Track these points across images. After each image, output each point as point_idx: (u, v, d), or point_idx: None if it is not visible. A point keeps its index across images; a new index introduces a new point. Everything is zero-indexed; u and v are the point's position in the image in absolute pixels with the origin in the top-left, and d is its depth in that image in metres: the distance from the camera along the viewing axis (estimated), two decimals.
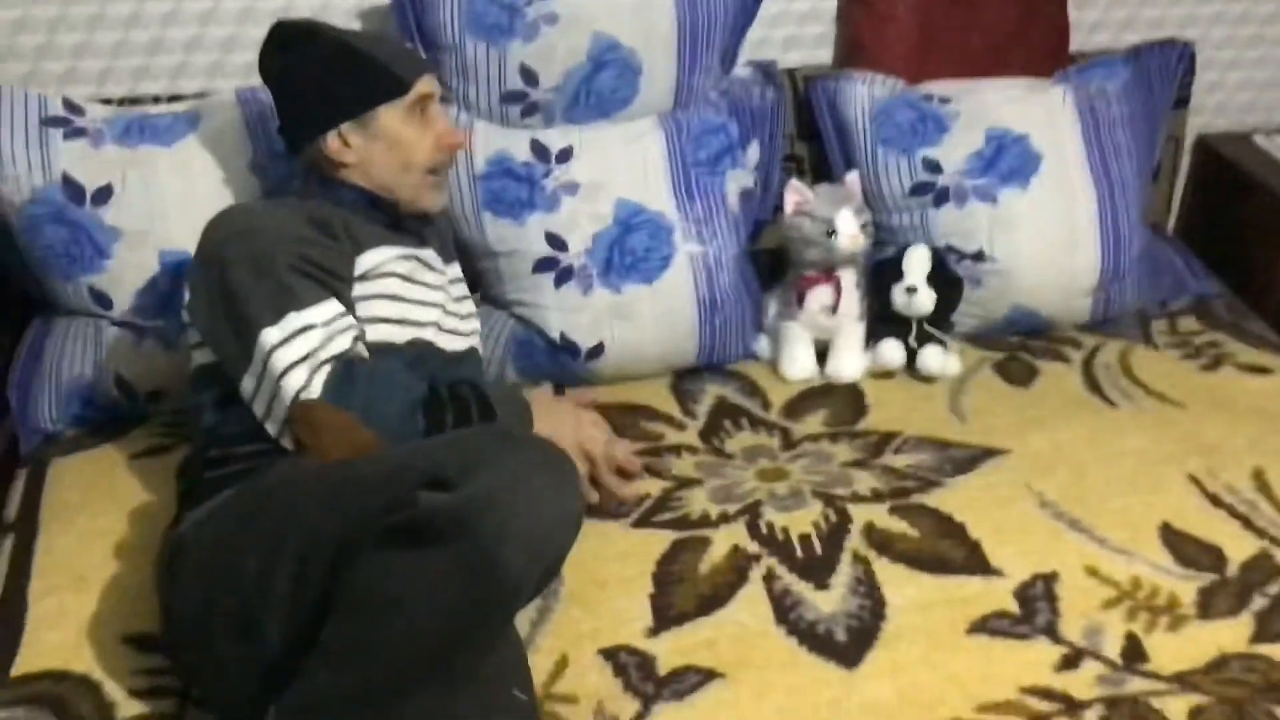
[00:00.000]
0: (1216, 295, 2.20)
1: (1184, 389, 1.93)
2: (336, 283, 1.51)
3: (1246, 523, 1.62)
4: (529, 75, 1.97)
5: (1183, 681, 1.39)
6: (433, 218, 1.72)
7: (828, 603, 1.51)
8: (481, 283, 1.95)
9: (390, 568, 1.17)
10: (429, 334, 1.64)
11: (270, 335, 1.43)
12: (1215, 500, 1.66)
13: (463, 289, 1.78)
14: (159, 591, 1.43)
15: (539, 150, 1.96)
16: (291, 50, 1.63)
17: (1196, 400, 1.90)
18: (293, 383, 1.43)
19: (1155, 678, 1.39)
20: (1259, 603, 1.49)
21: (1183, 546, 1.58)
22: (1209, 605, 1.49)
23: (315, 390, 1.43)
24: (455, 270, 1.79)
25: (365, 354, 1.51)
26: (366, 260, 1.58)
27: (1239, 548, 1.58)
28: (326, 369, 1.44)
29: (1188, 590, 1.51)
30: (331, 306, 1.48)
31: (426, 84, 1.64)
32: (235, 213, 1.57)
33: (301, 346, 1.44)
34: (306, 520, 1.28)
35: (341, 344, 1.47)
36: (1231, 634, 1.45)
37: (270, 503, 1.34)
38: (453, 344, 1.69)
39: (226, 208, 1.59)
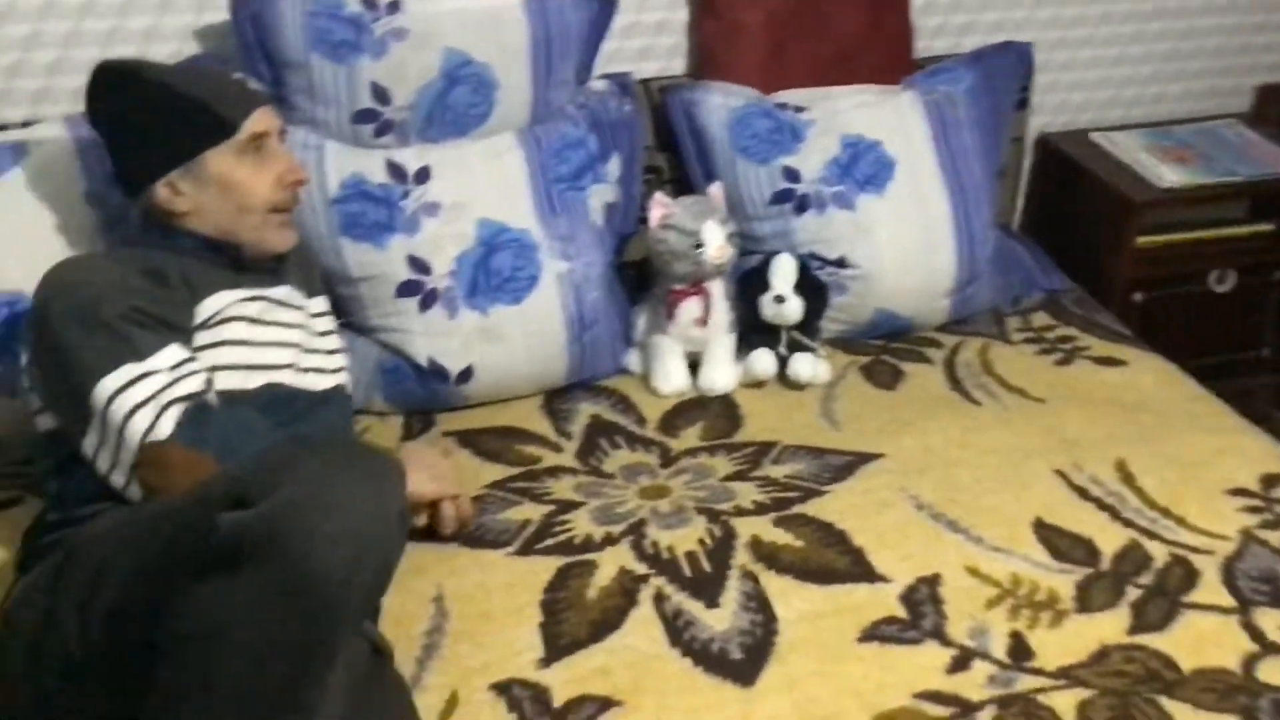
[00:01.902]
0: (1065, 290, 2.28)
1: (1042, 384, 1.99)
2: (174, 333, 1.45)
3: (1114, 514, 1.67)
4: (380, 93, 1.91)
5: (1068, 676, 1.42)
6: (287, 254, 1.65)
7: (720, 620, 1.50)
8: (343, 310, 1.88)
9: (204, 600, 1.11)
10: (285, 376, 1.58)
11: (108, 384, 1.37)
12: (1083, 493, 1.71)
13: (327, 323, 1.71)
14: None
15: (396, 171, 1.91)
16: (112, 95, 1.55)
17: (1055, 394, 1.96)
18: (138, 425, 1.36)
19: (1041, 674, 1.42)
20: (1133, 593, 1.53)
21: (1057, 541, 1.62)
22: (1087, 598, 1.53)
23: (165, 430, 1.37)
24: (319, 304, 1.73)
25: (214, 398, 1.44)
26: (206, 307, 1.52)
27: (1110, 539, 1.63)
28: (175, 410, 1.38)
29: (1065, 584, 1.55)
30: (173, 352, 1.42)
31: (260, 120, 1.56)
32: (61, 269, 1.49)
33: (143, 390, 1.38)
34: (113, 566, 1.23)
35: (189, 386, 1.41)
36: (1111, 626, 1.49)
37: (80, 555, 1.28)
38: (315, 383, 1.63)
39: (54, 265, 1.50)
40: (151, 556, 1.19)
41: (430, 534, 1.61)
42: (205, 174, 1.53)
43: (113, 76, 1.56)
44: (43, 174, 1.76)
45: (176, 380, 1.40)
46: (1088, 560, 1.59)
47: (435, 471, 1.59)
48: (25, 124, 1.90)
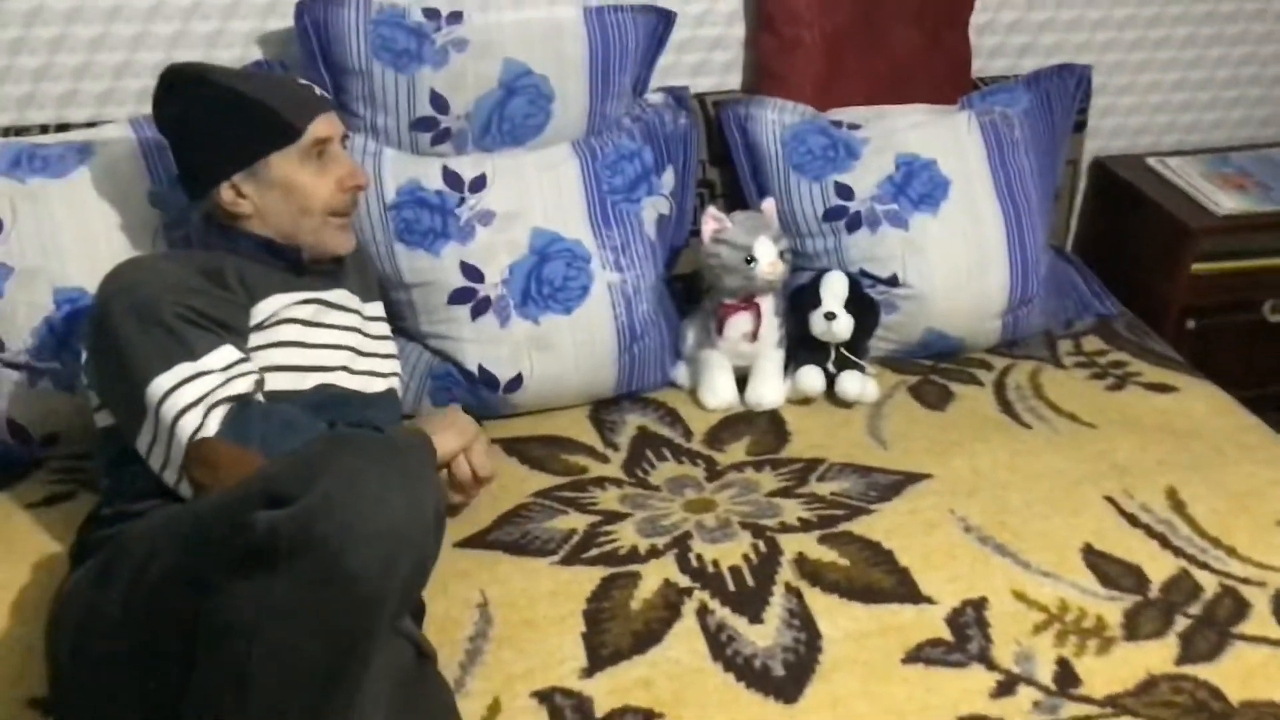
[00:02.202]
0: (1118, 315, 2.26)
1: (1093, 409, 1.97)
2: (229, 334, 1.47)
3: (1164, 542, 1.66)
4: (439, 102, 1.93)
5: (1115, 704, 1.41)
6: (345, 257, 1.67)
7: (763, 636, 1.50)
8: (396, 315, 1.90)
9: (241, 597, 1.12)
10: (337, 377, 1.60)
11: (161, 383, 1.39)
12: (1133, 520, 1.70)
13: (382, 328, 1.73)
14: (46, 653, 1.37)
15: (451, 179, 1.92)
16: (179, 98, 1.58)
17: (1106, 420, 1.94)
18: (188, 425, 1.39)
19: (1088, 701, 1.41)
20: (1181, 623, 1.52)
21: (1105, 568, 1.61)
22: (1135, 627, 1.52)
23: (211, 429, 1.39)
24: (375, 308, 1.75)
25: (262, 399, 1.46)
26: (262, 309, 1.54)
27: (1159, 568, 1.61)
28: (221, 409, 1.40)
29: (1113, 612, 1.54)
30: (226, 353, 1.44)
31: (323, 126, 1.59)
32: (123, 268, 1.51)
33: (195, 390, 1.40)
34: (157, 562, 1.24)
35: (239, 386, 1.43)
36: (1158, 655, 1.47)
37: (127, 550, 1.30)
38: (367, 385, 1.65)
39: (117, 265, 1.52)
40: (191, 553, 1.21)
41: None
42: (269, 177, 1.55)
43: (180, 80, 1.59)
44: (107, 174, 1.79)
45: (228, 380, 1.42)
46: (1137, 588, 1.58)
47: (455, 426, 1.61)
48: (90, 124, 1.94)
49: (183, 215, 1.79)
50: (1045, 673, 1.45)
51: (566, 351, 1.91)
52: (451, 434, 1.59)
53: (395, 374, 1.74)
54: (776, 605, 1.55)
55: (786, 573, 1.60)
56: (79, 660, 1.29)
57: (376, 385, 1.67)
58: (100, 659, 1.27)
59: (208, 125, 1.56)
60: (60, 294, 1.73)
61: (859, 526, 1.68)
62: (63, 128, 1.94)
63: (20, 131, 1.93)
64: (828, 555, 1.63)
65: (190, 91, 1.57)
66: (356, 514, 1.10)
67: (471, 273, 1.90)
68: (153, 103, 1.62)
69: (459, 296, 1.89)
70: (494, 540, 1.65)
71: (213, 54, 1.97)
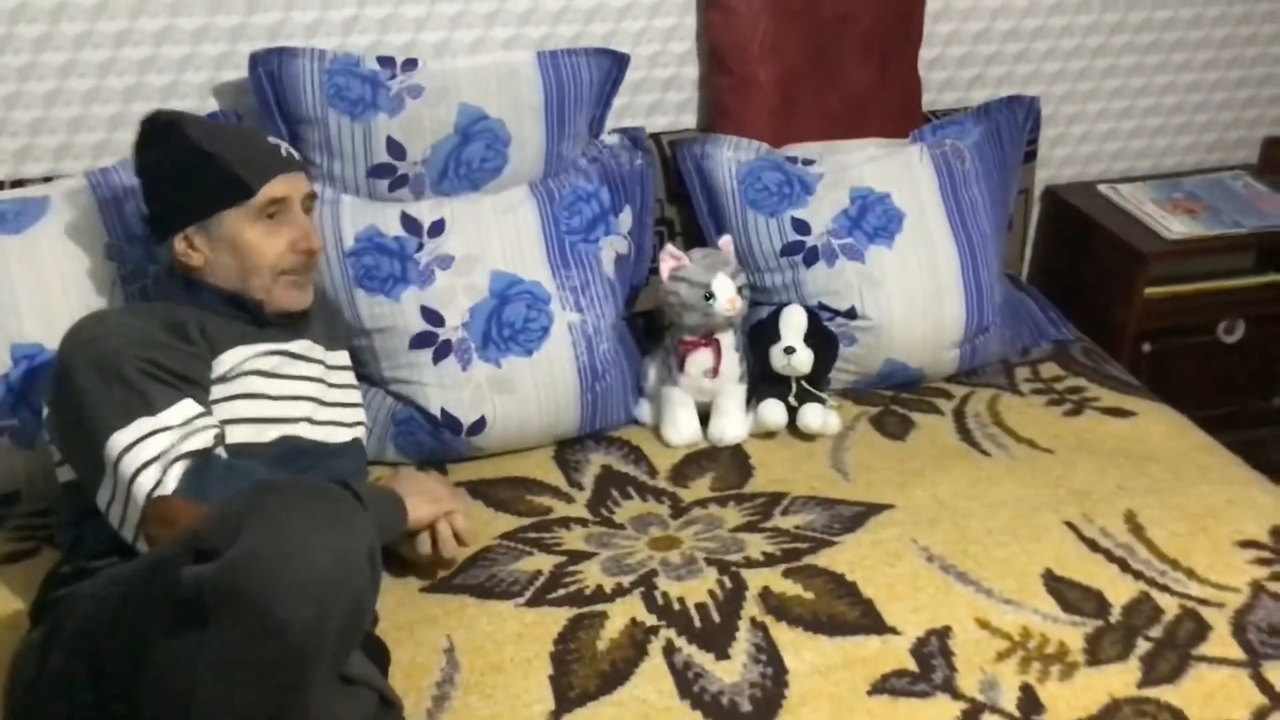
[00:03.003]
0: (1074, 340, 2.29)
1: (1051, 435, 1.99)
2: (190, 387, 1.47)
3: (1124, 566, 1.67)
4: (396, 148, 1.94)
5: None
6: (308, 309, 1.67)
7: (729, 673, 1.50)
8: (358, 361, 1.90)
9: (176, 653, 1.11)
10: (300, 429, 1.60)
11: (120, 439, 1.39)
12: (1093, 545, 1.71)
13: (347, 376, 1.74)
14: (3, 715, 1.36)
15: (410, 224, 1.93)
16: (152, 146, 1.60)
17: (1064, 445, 1.96)
18: (145, 482, 1.38)
19: None
20: (1143, 646, 1.53)
21: (1066, 593, 1.62)
22: (1097, 651, 1.53)
23: (169, 487, 1.39)
24: (340, 357, 1.75)
25: (223, 453, 1.46)
26: (224, 362, 1.55)
27: (1119, 591, 1.63)
28: (180, 465, 1.40)
29: (1075, 637, 1.55)
30: (186, 408, 1.44)
31: (280, 187, 1.59)
32: (85, 322, 1.52)
33: (153, 447, 1.40)
34: (97, 621, 1.24)
35: (198, 442, 1.43)
36: (1120, 679, 1.48)
37: (71, 611, 1.30)
38: (331, 435, 1.65)
39: (79, 319, 1.52)
40: (128, 611, 1.20)
41: (428, 568, 1.63)
42: (220, 232, 1.57)
43: (156, 127, 1.60)
44: (63, 229, 1.79)
45: (186, 436, 1.42)
46: (1098, 612, 1.59)
47: (429, 494, 1.62)
48: (46, 179, 1.94)
49: (141, 267, 1.80)
50: (1009, 700, 1.46)
51: (529, 393, 1.92)
52: (424, 499, 1.60)
53: (360, 423, 1.74)
54: (743, 640, 1.55)
55: (752, 607, 1.60)
56: None
57: (341, 435, 1.67)
58: (53, 718, 1.26)
59: (171, 176, 1.58)
60: (17, 350, 1.73)
61: (823, 559, 1.69)
62: (18, 184, 1.94)
63: None
64: (792, 589, 1.63)
65: (162, 140, 1.59)
66: (283, 563, 1.09)
67: (432, 317, 1.90)
68: (134, 147, 1.63)
69: (420, 341, 1.90)
70: (460, 584, 1.65)
71: (168, 105, 1.97)
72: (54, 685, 1.26)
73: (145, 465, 1.38)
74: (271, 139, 1.67)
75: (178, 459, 1.39)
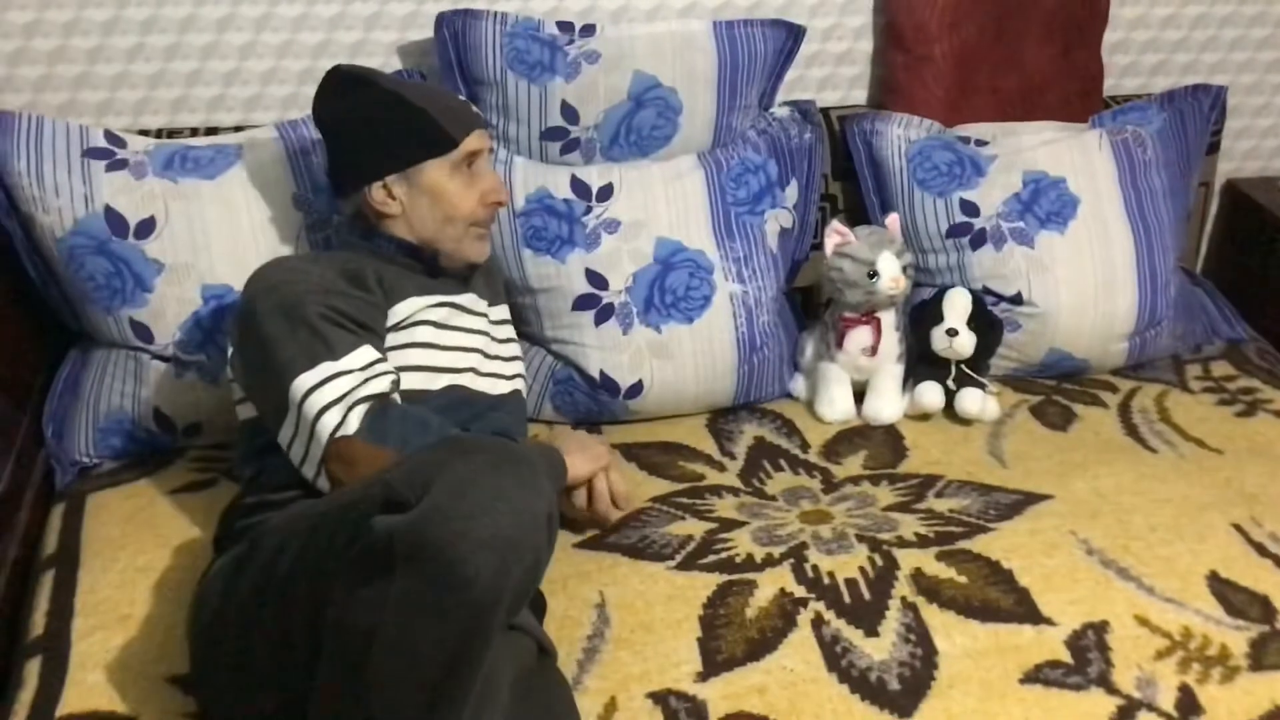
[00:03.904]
0: (1248, 339, 2.21)
1: (1221, 435, 1.93)
2: (367, 334, 1.52)
3: None
4: (570, 112, 1.97)
5: None
6: (476, 264, 1.72)
7: (878, 650, 1.50)
8: (521, 320, 1.94)
9: (361, 597, 1.15)
10: (466, 379, 1.64)
11: (305, 380, 1.44)
12: (1261, 549, 1.66)
13: (508, 331, 1.78)
14: (188, 635, 1.44)
15: (579, 187, 1.96)
16: (345, 98, 1.64)
17: (1235, 447, 1.90)
18: (328, 422, 1.43)
19: None
20: None
21: (1231, 596, 1.58)
22: (1261, 657, 1.48)
23: (351, 428, 1.43)
24: (501, 312, 1.79)
25: (398, 399, 1.51)
26: (399, 311, 1.59)
27: None
28: (362, 408, 1.44)
29: (1239, 641, 1.51)
30: (365, 353, 1.49)
31: (476, 140, 1.64)
32: (269, 268, 1.57)
33: (336, 389, 1.44)
34: (285, 556, 1.28)
35: (377, 386, 1.47)
36: None
37: (260, 542, 1.35)
38: (494, 387, 1.69)
39: (262, 265, 1.58)
40: (314, 551, 1.24)
41: (583, 524, 1.68)
42: (421, 182, 1.61)
43: (345, 80, 1.65)
44: (255, 176, 1.86)
45: (366, 380, 1.47)
46: (1263, 618, 1.54)
47: (589, 451, 1.65)
48: (238, 128, 2.02)
49: (325, 218, 1.86)
50: (1167, 700, 1.43)
51: (686, 360, 1.93)
52: (584, 457, 1.63)
53: (520, 375, 1.78)
54: (893, 619, 1.55)
55: (903, 587, 1.60)
56: (217, 644, 1.35)
57: (502, 387, 1.71)
58: (236, 644, 1.32)
59: (369, 125, 1.62)
60: (208, 290, 1.81)
61: (978, 545, 1.67)
62: (211, 131, 2.03)
63: (172, 134, 2.02)
64: (945, 572, 1.62)
65: (355, 91, 1.63)
66: (470, 520, 1.13)
67: (596, 279, 1.93)
68: (315, 99, 1.68)
69: (583, 303, 1.93)
70: (612, 543, 1.68)
71: (355, 62, 2.03)
72: (240, 612, 1.32)
73: (328, 406, 1.43)
74: (460, 96, 1.71)
75: (358, 402, 1.44)
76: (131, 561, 1.63)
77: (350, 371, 1.46)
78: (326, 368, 1.45)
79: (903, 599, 1.58)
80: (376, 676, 1.15)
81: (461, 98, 1.71)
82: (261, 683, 1.31)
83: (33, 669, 1.47)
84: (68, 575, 1.62)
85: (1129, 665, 1.47)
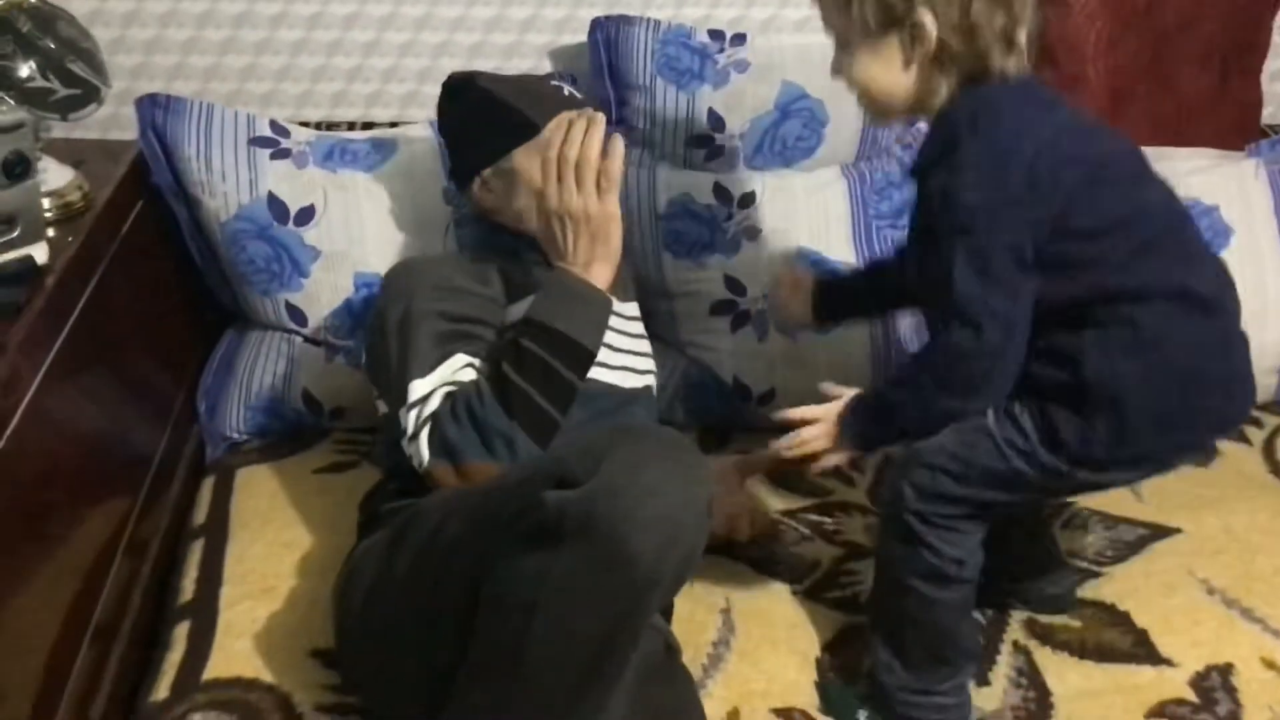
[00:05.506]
0: None
1: None
2: (479, 327, 1.53)
3: None
4: (716, 120, 1.99)
5: None
6: None
7: (989, 699, 1.48)
8: (656, 322, 1.96)
9: (525, 571, 1.17)
10: (594, 371, 1.65)
11: (416, 388, 1.45)
12: None
13: (637, 327, 1.77)
14: (333, 610, 1.48)
15: (721, 194, 1.98)
16: (450, 101, 1.68)
17: None
18: (411, 453, 1.44)
19: None
20: None
21: None
22: None
23: (424, 457, 1.43)
24: (630, 308, 1.80)
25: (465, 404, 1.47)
26: (516, 310, 1.58)
27: None
28: (425, 432, 1.43)
29: None
30: (448, 366, 1.48)
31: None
32: (398, 269, 1.61)
33: (410, 419, 1.44)
34: (446, 533, 1.30)
35: (433, 404, 1.45)
36: None
37: (419, 521, 1.37)
38: (623, 380, 1.69)
39: (394, 264, 1.62)
40: (479, 526, 1.27)
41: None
42: (512, 171, 1.60)
43: (453, 84, 1.69)
44: (408, 171, 1.93)
45: (428, 398, 1.45)
46: None
47: (724, 480, 1.65)
48: (393, 124, 2.09)
49: (468, 214, 1.91)
50: None
51: (820, 370, 1.93)
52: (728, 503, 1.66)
53: (651, 372, 1.79)
54: (1003, 665, 1.52)
55: (1015, 632, 1.57)
56: (367, 620, 1.39)
57: (632, 381, 1.71)
58: (386, 620, 1.35)
59: (463, 125, 1.66)
60: (360, 278, 1.88)
61: (1089, 590, 1.64)
62: (367, 126, 2.10)
63: (330, 127, 2.10)
64: (1058, 619, 1.60)
65: (458, 94, 1.67)
66: (638, 500, 1.14)
67: (734, 286, 1.95)
68: (436, 108, 1.72)
69: (720, 308, 1.95)
70: (741, 554, 1.69)
71: (508, 64, 2.10)
72: (396, 589, 1.35)
73: (412, 438, 1.43)
74: (554, 81, 1.71)
75: (421, 425, 1.44)
76: (277, 536, 1.70)
77: (422, 399, 1.45)
78: (410, 390, 1.46)
79: (1014, 643, 1.56)
80: (532, 652, 1.17)
81: (556, 82, 1.70)
82: (407, 658, 1.34)
83: (181, 632, 1.55)
84: (217, 545, 1.70)
85: (1259, 707, 1.45)
